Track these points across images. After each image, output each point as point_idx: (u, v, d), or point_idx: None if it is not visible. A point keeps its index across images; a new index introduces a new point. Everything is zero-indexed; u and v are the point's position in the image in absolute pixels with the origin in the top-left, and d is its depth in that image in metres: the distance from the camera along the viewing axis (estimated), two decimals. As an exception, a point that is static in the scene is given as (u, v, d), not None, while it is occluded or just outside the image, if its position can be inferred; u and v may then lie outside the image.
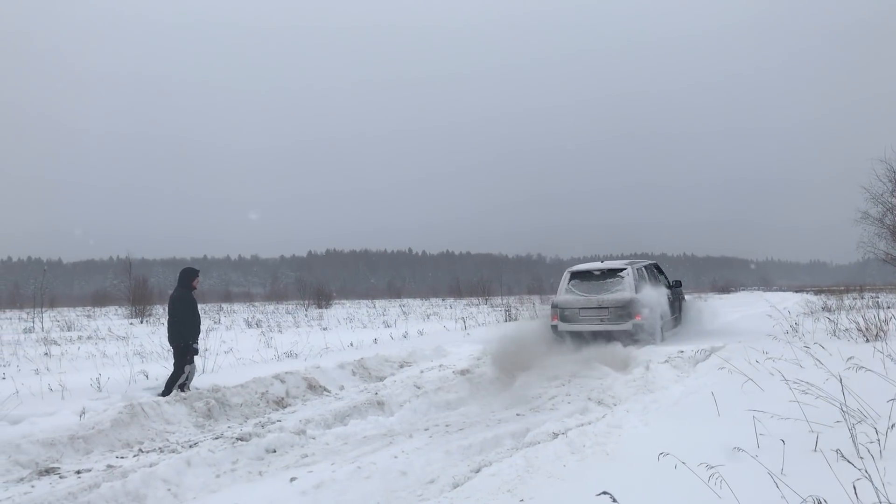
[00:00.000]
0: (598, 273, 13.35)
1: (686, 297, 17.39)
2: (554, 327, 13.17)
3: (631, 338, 12.35)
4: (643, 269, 13.81)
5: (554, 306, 13.29)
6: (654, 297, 13.05)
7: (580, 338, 12.68)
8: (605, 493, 3.01)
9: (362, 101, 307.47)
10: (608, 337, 12.47)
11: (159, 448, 6.62)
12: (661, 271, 15.14)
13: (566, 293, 13.31)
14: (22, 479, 5.52)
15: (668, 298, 14.00)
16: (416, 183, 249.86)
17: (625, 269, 13.11)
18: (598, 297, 12.83)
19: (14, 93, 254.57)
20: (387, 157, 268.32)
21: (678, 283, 15.67)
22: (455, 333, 18.50)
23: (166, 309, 9.47)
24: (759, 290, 71.50)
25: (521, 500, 4.23)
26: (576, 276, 13.56)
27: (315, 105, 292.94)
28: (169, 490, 5.19)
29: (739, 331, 13.80)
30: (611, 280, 13.05)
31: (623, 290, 12.73)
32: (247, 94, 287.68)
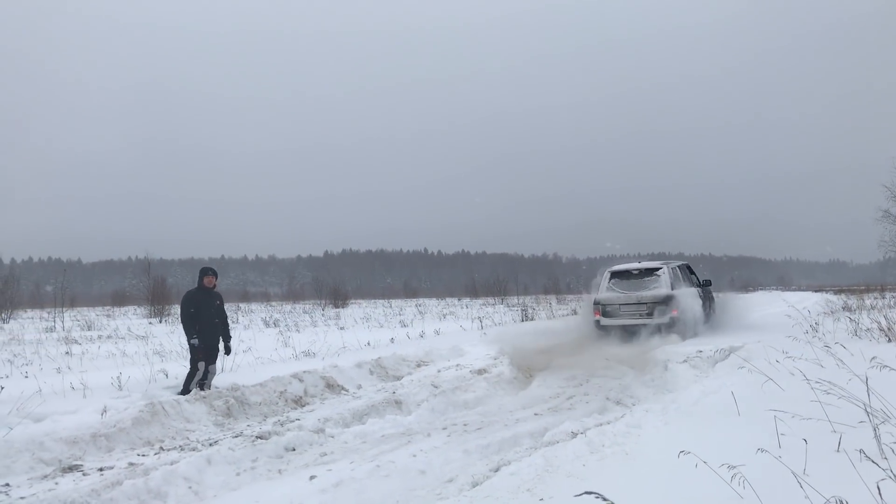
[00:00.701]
0: (636, 272, 14.36)
1: (716, 295, 18.15)
2: (597, 322, 14.16)
3: (667, 331, 13.24)
4: (677, 268, 14.76)
5: (596, 303, 14.25)
6: (688, 294, 14.12)
7: (621, 331, 13.77)
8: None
9: (380, 104, 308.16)
10: (646, 330, 13.38)
11: (180, 446, 6.67)
12: (692, 271, 16.10)
13: (607, 291, 14.34)
14: (46, 477, 5.59)
15: (700, 296, 14.91)
16: (433, 183, 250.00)
17: (661, 268, 14.14)
18: (638, 294, 13.86)
19: (36, 101, 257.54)
20: (403, 157, 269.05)
21: (708, 283, 16.51)
22: (471, 333, 18.49)
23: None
24: (777, 289, 70.80)
25: (541, 500, 4.23)
26: (616, 275, 14.55)
27: (333, 108, 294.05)
28: (190, 488, 5.23)
29: (768, 326, 14.22)
30: (648, 278, 14.08)
31: (660, 287, 13.75)
32: (265, 98, 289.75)
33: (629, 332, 13.65)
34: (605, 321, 14.03)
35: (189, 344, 8.87)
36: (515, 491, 4.47)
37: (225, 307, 9.39)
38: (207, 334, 8.93)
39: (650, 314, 13.57)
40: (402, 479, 5.20)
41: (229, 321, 9.31)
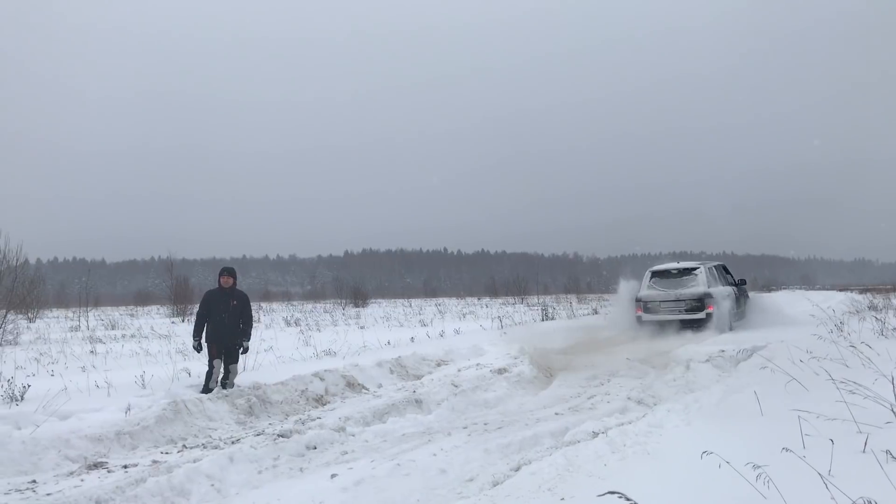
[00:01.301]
0: (675, 272, 15.55)
1: (749, 293, 19.07)
2: (638, 317, 15.25)
3: (704, 325, 14.33)
4: (713, 268, 15.84)
5: (638, 300, 15.45)
6: (723, 292, 15.25)
7: (661, 326, 14.82)
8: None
9: (397, 102, 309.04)
10: (685, 325, 14.51)
11: (202, 444, 6.73)
12: (727, 271, 17.05)
13: (648, 289, 15.50)
14: (72, 473, 5.67)
15: (734, 294, 16.02)
16: (452, 182, 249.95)
17: (698, 268, 15.31)
18: (676, 292, 15.01)
19: (62, 101, 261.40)
20: (422, 157, 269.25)
21: (742, 282, 17.52)
22: (491, 332, 18.46)
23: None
24: (800, 288, 69.92)
25: (562, 499, 4.22)
26: (656, 274, 15.74)
27: (351, 108, 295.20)
28: (212, 485, 5.28)
29: (799, 322, 14.56)
30: (686, 277, 15.24)
31: (697, 285, 14.88)
32: (286, 100, 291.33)
33: (668, 327, 14.60)
34: (646, 317, 15.11)
35: (195, 342, 8.92)
36: (536, 490, 4.46)
37: (246, 308, 9.19)
38: (220, 334, 8.89)
39: (688, 310, 14.64)
40: (423, 478, 5.21)
41: (252, 321, 9.29)
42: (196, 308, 10.06)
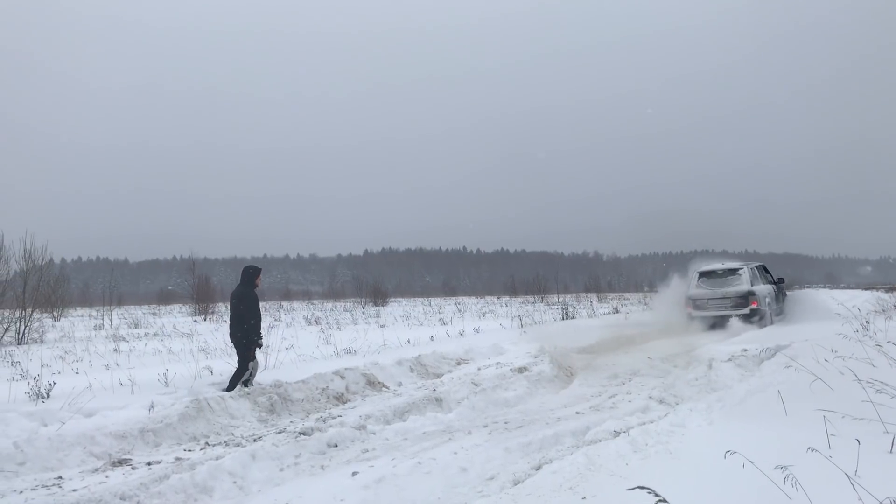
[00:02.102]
0: (721, 272, 17.07)
1: (787, 291, 20.59)
2: (689, 314, 16.83)
3: (748, 320, 15.72)
4: (755, 268, 17.36)
5: (688, 298, 17.09)
6: (765, 290, 16.82)
7: (709, 321, 16.37)
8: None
9: (413, 99, 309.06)
10: (730, 320, 15.85)
11: (225, 442, 6.78)
12: (767, 270, 18.50)
13: (696, 288, 17.08)
14: (97, 470, 5.73)
15: (774, 291, 17.63)
16: (472, 181, 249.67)
17: (742, 268, 16.85)
18: (723, 290, 16.50)
19: (80, 111, 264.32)
20: (441, 156, 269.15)
21: (781, 280, 18.96)
22: (511, 331, 18.43)
23: (228, 306, 9.63)
24: (825, 287, 69.02)
25: (583, 498, 4.19)
26: (703, 274, 17.29)
27: (370, 106, 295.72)
28: (234, 483, 5.31)
29: (832, 317, 14.64)
30: (731, 277, 16.74)
31: (742, 284, 16.35)
32: (302, 98, 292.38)
33: (716, 322, 16.19)
34: (695, 313, 16.73)
35: (254, 343, 8.97)
36: (557, 489, 4.44)
37: (242, 305, 8.96)
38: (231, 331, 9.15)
39: (734, 307, 16.11)
40: (444, 477, 5.21)
41: (258, 320, 9.19)
42: (219, 306, 10.13)
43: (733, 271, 16.86)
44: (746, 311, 15.91)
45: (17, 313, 19.97)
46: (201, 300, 36.99)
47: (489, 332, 18.39)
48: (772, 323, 15.98)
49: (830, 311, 16.82)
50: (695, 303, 16.87)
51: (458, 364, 11.84)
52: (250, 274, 9.29)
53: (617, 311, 28.14)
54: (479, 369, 10.97)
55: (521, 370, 10.39)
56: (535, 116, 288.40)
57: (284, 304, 54.77)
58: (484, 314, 30.42)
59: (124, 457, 6.08)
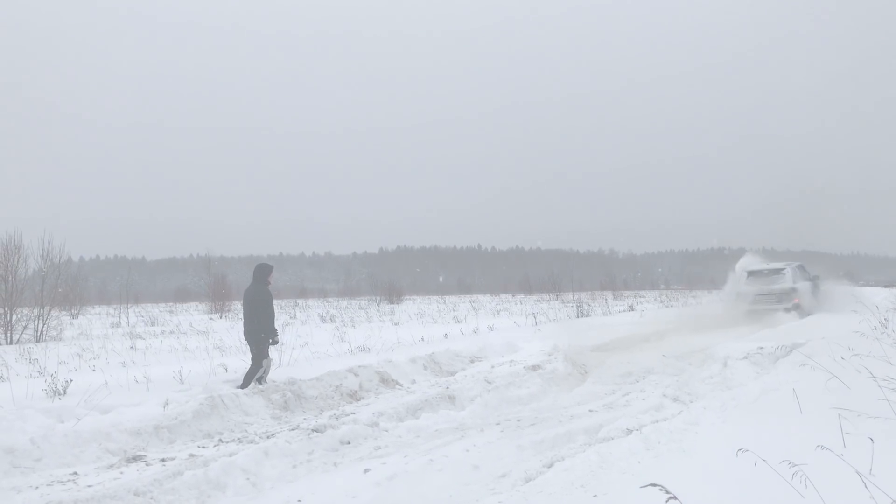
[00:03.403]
0: (766, 271, 19.87)
1: (822, 287, 22.46)
2: (739, 307, 18.89)
3: (791, 313, 17.85)
4: (796, 267, 19.84)
5: (739, 294, 19.61)
6: (806, 286, 19.18)
7: (758, 314, 18.09)
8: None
9: (426, 94, 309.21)
10: (777, 313, 17.73)
11: (238, 438, 6.81)
12: (805, 269, 20.63)
13: (746, 285, 19.65)
14: (112, 466, 5.78)
15: (812, 287, 19.75)
16: (485, 180, 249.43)
17: (785, 267, 19.51)
18: (769, 287, 19.10)
19: (97, 103, 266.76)
20: (455, 155, 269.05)
21: (817, 277, 21.09)
22: (525, 329, 18.41)
23: (242, 304, 9.68)
24: (844, 284, 68.16)
25: (595, 496, 4.18)
26: (750, 274, 19.95)
27: (388, 105, 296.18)
28: (248, 479, 5.34)
29: (867, 310, 14.68)
30: (776, 275, 19.37)
31: (785, 281, 18.95)
32: (323, 95, 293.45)
33: (764, 315, 17.81)
34: (745, 307, 18.76)
35: (268, 340, 9.07)
36: (569, 487, 4.43)
37: (253, 305, 9.11)
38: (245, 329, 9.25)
39: (779, 301, 18.56)
40: (455, 474, 5.21)
41: (272, 317, 9.28)
42: (235, 304, 10.21)
43: (778, 271, 19.49)
44: (790, 305, 18.26)
45: (36, 311, 20.19)
46: (217, 298, 37.20)
47: (503, 329, 18.38)
48: (810, 314, 17.65)
49: (861, 303, 16.95)
50: (745, 298, 19.24)
51: (472, 362, 11.84)
52: (263, 272, 9.33)
53: (632, 309, 28.03)
54: (492, 367, 10.97)
55: (534, 368, 10.38)
56: (551, 109, 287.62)
57: (300, 301, 54.95)
58: (498, 312, 30.39)
59: (139, 453, 6.13)
